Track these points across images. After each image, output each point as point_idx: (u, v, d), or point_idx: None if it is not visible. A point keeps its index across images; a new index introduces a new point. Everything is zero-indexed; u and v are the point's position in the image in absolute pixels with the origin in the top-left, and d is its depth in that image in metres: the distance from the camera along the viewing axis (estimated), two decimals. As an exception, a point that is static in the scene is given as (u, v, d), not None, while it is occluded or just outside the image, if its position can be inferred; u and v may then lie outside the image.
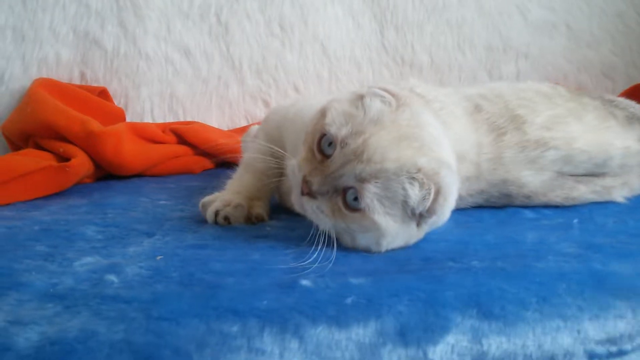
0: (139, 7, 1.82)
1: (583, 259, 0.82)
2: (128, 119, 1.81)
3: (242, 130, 1.85)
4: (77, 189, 1.38)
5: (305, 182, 0.87)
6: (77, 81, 1.81)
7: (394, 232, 0.85)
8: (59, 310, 0.65)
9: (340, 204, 0.85)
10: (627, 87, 2.06)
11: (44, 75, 1.74)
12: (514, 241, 0.92)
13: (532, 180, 1.10)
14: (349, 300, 0.68)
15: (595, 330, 0.70)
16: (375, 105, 0.87)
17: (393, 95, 0.89)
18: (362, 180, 0.82)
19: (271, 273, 0.76)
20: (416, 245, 0.89)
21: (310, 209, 0.87)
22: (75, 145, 1.44)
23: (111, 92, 1.81)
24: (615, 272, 0.78)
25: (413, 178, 0.81)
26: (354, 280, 0.73)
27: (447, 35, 2.02)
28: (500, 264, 0.80)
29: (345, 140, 0.85)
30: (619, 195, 1.17)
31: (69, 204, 1.22)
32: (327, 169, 0.85)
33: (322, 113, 0.91)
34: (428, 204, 0.82)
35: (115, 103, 1.82)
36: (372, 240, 0.85)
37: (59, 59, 1.78)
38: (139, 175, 1.56)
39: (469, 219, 1.05)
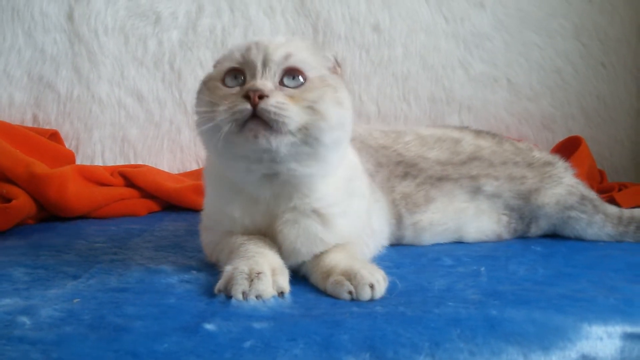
0: (93, 53, 1.87)
1: (481, 305, 0.86)
2: (79, 162, 1.84)
3: (192, 173, 1.89)
4: (18, 230, 1.39)
5: (252, 90, 0.86)
6: (29, 123, 1.85)
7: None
8: (-37, 351, 0.67)
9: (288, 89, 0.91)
10: (565, 138, 2.16)
11: (-3, 117, 1.78)
12: (423, 288, 0.95)
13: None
14: (247, 344, 0.71)
15: (486, 374, 0.73)
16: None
17: None
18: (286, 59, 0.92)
19: (180, 317, 0.78)
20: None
21: (273, 108, 0.85)
22: (19, 186, 1.46)
23: (63, 134, 1.84)
24: (509, 318, 0.81)
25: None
26: (257, 325, 0.76)
27: (393, 87, 2.11)
28: (402, 310, 0.83)
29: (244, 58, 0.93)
30: (488, 184, 1.34)
31: (6, 245, 1.24)
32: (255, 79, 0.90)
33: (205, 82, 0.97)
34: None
35: (67, 145, 1.85)
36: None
37: (12, 101, 1.82)
38: (84, 217, 1.58)
39: (389, 265, 1.09)
